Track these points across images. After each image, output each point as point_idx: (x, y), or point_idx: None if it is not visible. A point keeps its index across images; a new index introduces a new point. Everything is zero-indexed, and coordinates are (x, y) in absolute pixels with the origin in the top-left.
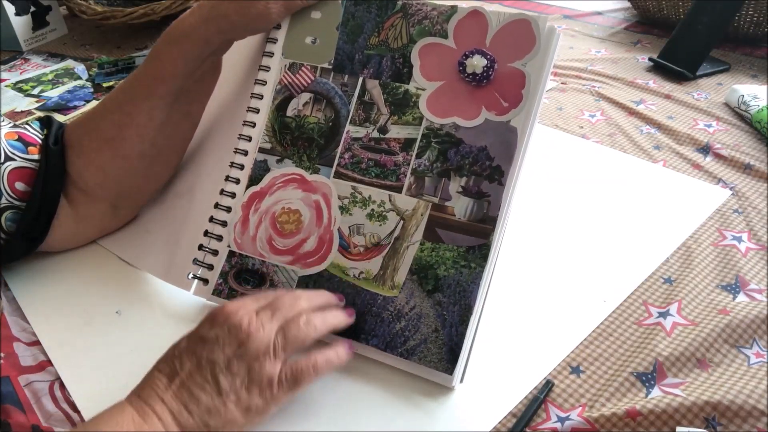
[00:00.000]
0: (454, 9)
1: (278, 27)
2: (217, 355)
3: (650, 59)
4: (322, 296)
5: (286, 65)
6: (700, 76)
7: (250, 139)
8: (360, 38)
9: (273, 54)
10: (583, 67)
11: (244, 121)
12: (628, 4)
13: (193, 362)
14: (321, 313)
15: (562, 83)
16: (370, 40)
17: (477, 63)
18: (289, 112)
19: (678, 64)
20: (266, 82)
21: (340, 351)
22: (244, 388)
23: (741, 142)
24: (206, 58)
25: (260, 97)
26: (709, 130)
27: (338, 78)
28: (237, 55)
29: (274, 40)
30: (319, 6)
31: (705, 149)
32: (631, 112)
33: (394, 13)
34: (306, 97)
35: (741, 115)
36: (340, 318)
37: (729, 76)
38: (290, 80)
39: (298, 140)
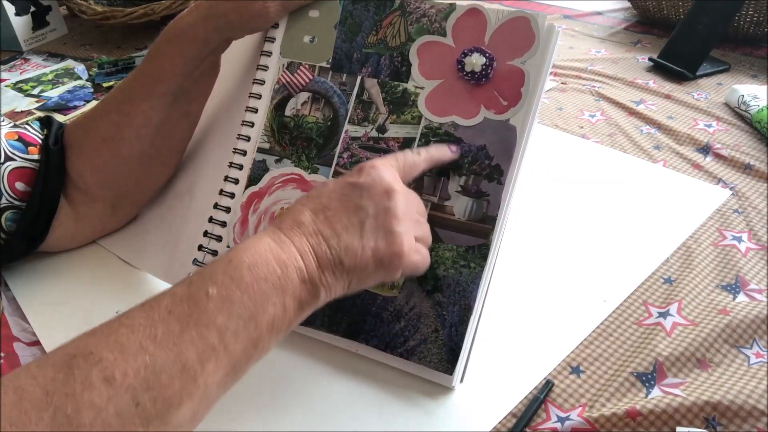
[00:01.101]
0: (452, 7)
1: (276, 26)
2: (366, 202)
3: (650, 59)
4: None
5: (284, 64)
6: (700, 76)
7: (248, 139)
8: (358, 37)
9: (271, 53)
10: (583, 67)
11: (243, 121)
12: (628, 4)
13: (342, 202)
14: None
15: (562, 83)
16: (369, 38)
17: (476, 61)
18: (288, 111)
19: (678, 64)
20: (264, 82)
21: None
22: (383, 239)
23: (741, 142)
24: (205, 58)
25: (258, 96)
26: (709, 130)
27: (336, 77)
28: (235, 55)
29: (272, 39)
30: (317, 5)
31: (705, 149)
32: (631, 112)
33: (392, 11)
34: (304, 96)
35: (741, 115)
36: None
37: (729, 76)
38: (288, 79)
39: (296, 140)
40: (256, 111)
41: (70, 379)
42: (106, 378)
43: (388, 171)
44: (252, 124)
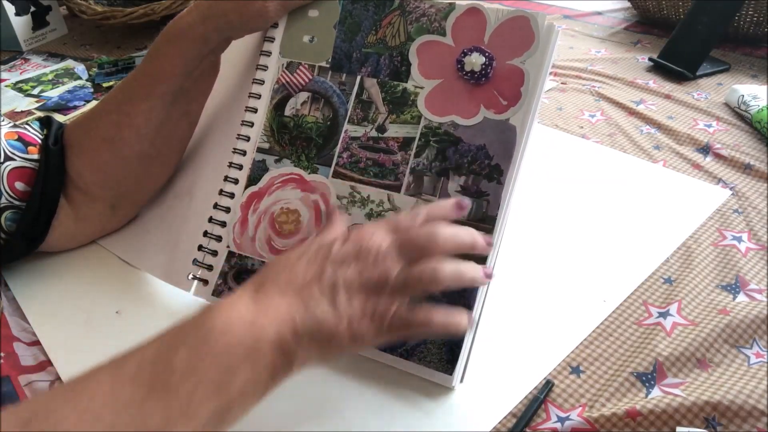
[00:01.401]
0: (452, 6)
1: (276, 26)
2: (340, 276)
3: (650, 59)
4: (462, 235)
5: (283, 64)
6: (700, 76)
7: (248, 139)
8: (358, 36)
9: (271, 53)
10: (583, 67)
11: (243, 121)
12: (628, 4)
13: (317, 272)
14: (454, 263)
15: (562, 83)
16: (368, 38)
17: (475, 61)
18: (287, 111)
19: (678, 64)
20: (264, 82)
21: (461, 319)
22: (358, 314)
23: (741, 142)
24: (204, 57)
25: (258, 96)
26: (709, 130)
27: (336, 77)
28: (235, 55)
29: (272, 39)
30: (316, 4)
31: (705, 149)
32: (631, 112)
33: (391, 11)
34: (304, 96)
35: (741, 115)
36: (473, 273)
37: (729, 76)
38: (288, 79)
39: (296, 140)
40: (255, 111)
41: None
42: None
43: (372, 239)
44: (251, 124)
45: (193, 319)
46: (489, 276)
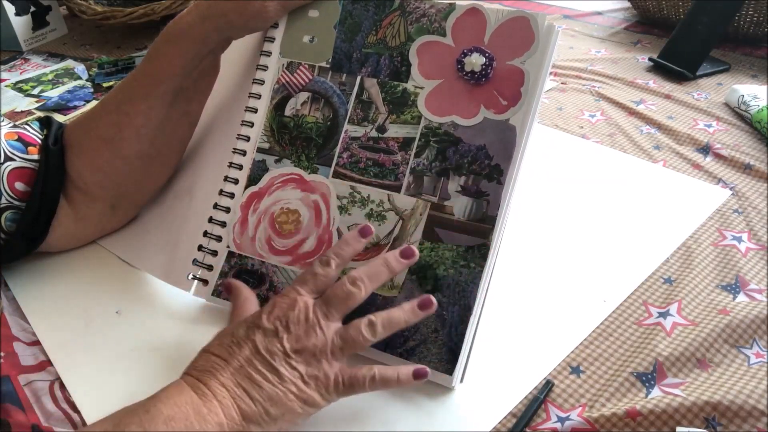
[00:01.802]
0: (452, 6)
1: (276, 26)
2: (276, 346)
3: (650, 59)
4: (377, 269)
5: (283, 64)
6: (700, 76)
7: (248, 139)
8: (358, 37)
9: (271, 53)
10: (583, 67)
11: (243, 121)
12: (628, 4)
13: (252, 350)
14: (387, 314)
15: (562, 83)
16: (368, 38)
17: (475, 61)
18: (288, 111)
19: (678, 64)
20: (264, 82)
21: (402, 374)
22: (302, 380)
23: (741, 142)
24: (204, 57)
25: (258, 96)
26: (709, 130)
27: (336, 77)
28: (235, 55)
29: (272, 39)
30: (316, 4)
31: (705, 149)
32: (631, 112)
33: (392, 11)
34: (304, 96)
35: (741, 115)
36: (404, 316)
37: (729, 76)
38: (288, 79)
39: (296, 140)
40: (255, 111)
41: None
42: None
43: (296, 307)
44: (252, 124)
45: (139, 405)
46: (411, 255)
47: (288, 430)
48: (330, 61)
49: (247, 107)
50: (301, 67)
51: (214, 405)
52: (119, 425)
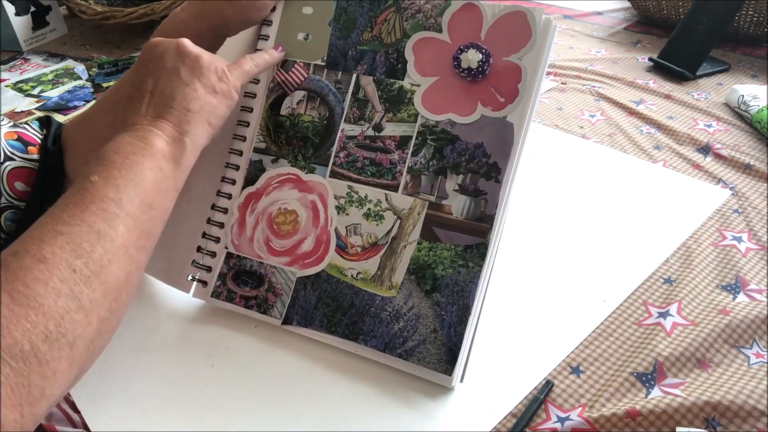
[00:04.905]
0: (448, 2)
1: (270, 24)
2: (167, 62)
3: (650, 59)
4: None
5: (278, 63)
6: (700, 76)
7: (244, 138)
8: (353, 34)
9: None
10: (583, 67)
11: (238, 121)
12: (628, 4)
13: (153, 78)
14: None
15: (562, 83)
16: (363, 35)
17: (472, 57)
18: (283, 110)
19: (678, 64)
20: (259, 81)
21: (271, 51)
22: (203, 77)
23: (741, 142)
24: None
25: (253, 95)
26: (709, 130)
27: (332, 75)
28: (230, 53)
29: (266, 38)
30: (310, 2)
31: (705, 149)
32: (631, 112)
33: (387, 8)
34: (299, 95)
35: (741, 115)
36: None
37: (729, 76)
38: (283, 78)
39: (292, 139)
40: (251, 110)
41: (10, 270)
42: (39, 259)
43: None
44: (247, 124)
45: (90, 159)
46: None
47: (220, 123)
48: (325, 58)
49: (242, 107)
50: (296, 66)
51: (146, 127)
52: (82, 173)
